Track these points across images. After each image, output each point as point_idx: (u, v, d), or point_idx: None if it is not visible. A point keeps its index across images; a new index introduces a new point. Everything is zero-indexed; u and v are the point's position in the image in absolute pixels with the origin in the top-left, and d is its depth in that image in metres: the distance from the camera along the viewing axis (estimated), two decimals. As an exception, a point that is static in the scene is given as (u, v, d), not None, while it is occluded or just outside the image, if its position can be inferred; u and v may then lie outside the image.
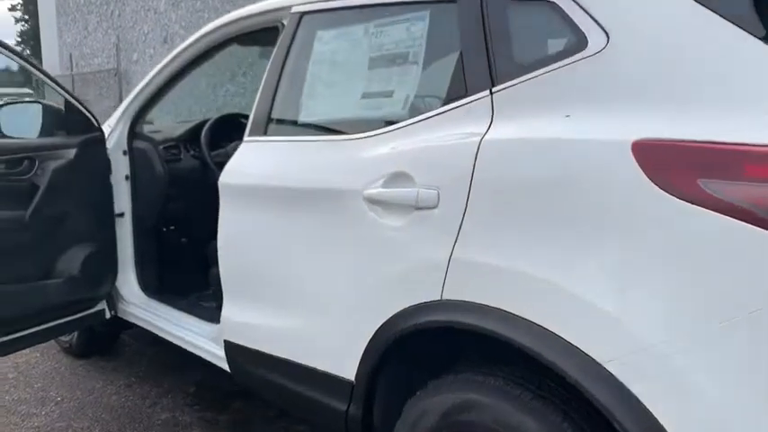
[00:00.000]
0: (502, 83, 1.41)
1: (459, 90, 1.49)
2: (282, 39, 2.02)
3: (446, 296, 1.41)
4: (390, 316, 1.52)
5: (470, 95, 1.46)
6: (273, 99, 2.02)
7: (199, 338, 2.44)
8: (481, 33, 1.47)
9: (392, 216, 1.53)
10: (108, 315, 2.83)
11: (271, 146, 1.98)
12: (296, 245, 1.83)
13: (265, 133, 2.02)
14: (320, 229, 1.73)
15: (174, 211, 2.96)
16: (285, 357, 1.89)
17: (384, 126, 1.64)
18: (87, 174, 2.59)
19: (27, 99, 2.92)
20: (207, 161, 2.86)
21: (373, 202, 1.57)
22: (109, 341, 3.27)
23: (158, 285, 2.96)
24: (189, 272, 3.10)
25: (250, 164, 2.02)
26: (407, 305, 1.49)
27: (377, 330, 1.56)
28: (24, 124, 2.63)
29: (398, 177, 1.53)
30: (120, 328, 3.11)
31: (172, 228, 3.03)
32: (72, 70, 11.69)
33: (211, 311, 2.58)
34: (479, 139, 1.38)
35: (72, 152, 2.52)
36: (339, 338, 1.70)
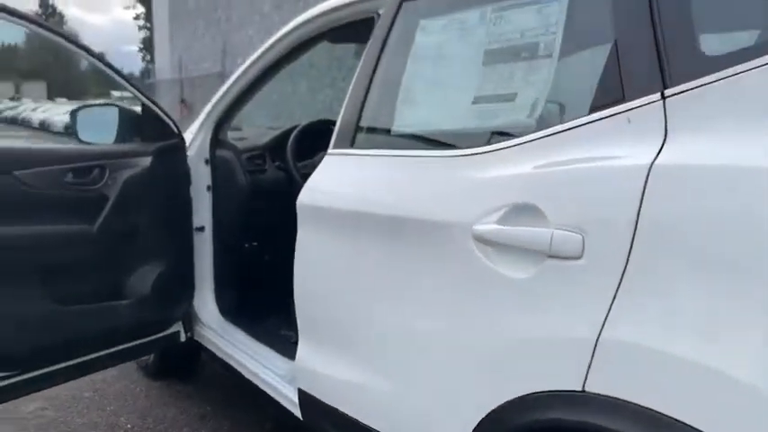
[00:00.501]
0: (679, 83, 0.97)
1: (612, 93, 1.07)
2: (377, 31, 1.66)
3: (591, 387, 0.99)
4: (503, 402, 1.12)
5: (631, 100, 1.03)
6: (363, 104, 1.67)
7: (273, 377, 2.13)
8: (647, 13, 1.04)
9: (512, 264, 1.13)
10: (183, 338, 2.59)
11: (358, 161, 1.63)
12: (384, 287, 1.46)
13: (352, 145, 1.67)
14: (414, 271, 1.35)
15: (257, 226, 2.68)
16: (366, 424, 1.52)
17: (503, 140, 1.24)
18: (164, 184, 2.35)
19: (103, 102, 2.65)
20: (292, 173, 2.56)
21: (485, 241, 1.17)
22: (187, 363, 3.05)
23: (237, 307, 2.69)
24: (270, 293, 2.81)
25: (332, 181, 1.68)
26: (529, 391, 1.08)
27: (483, 419, 1.16)
28: (100, 129, 2.43)
29: (523, 211, 1.12)
30: (198, 350, 2.88)
31: (254, 244, 2.75)
32: (181, 74, 12.01)
33: (290, 343, 2.27)
34: (648, 165, 0.95)
35: (147, 160, 2.29)
36: (433, 415, 1.31)
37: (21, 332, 1.98)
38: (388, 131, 1.61)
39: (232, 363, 2.39)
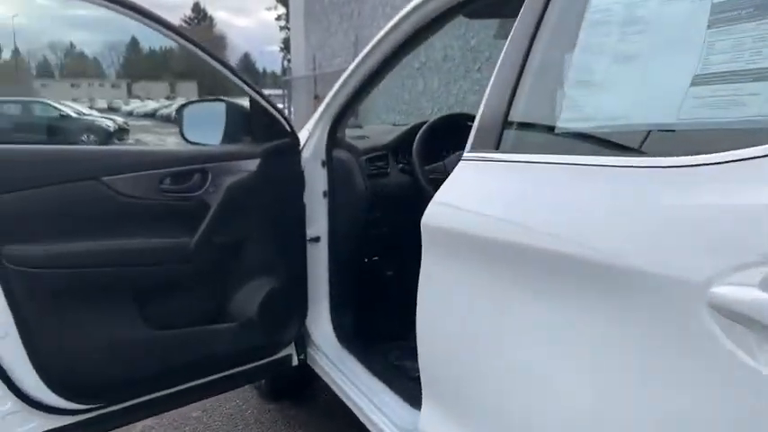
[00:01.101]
0: None
1: None
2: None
3: None
4: None
5: None
6: (514, 92, 1.23)
7: (392, 429, 1.75)
8: None
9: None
10: (296, 362, 2.29)
11: (505, 169, 1.19)
12: (544, 352, 1.02)
13: (497, 147, 1.24)
14: (599, 333, 0.89)
15: (378, 238, 2.32)
16: None
17: (752, 141, 0.76)
18: (274, 189, 2.04)
19: (212, 97, 2.37)
20: (418, 178, 2.16)
21: (730, 314, 0.70)
22: (301, 385, 2.76)
23: (354, 331, 2.35)
24: (392, 317, 2.45)
25: (469, 196, 1.25)
26: None
27: None
28: (207, 128, 2.17)
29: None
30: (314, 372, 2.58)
31: (374, 259, 2.39)
32: (315, 71, 12.06)
33: (414, 384, 1.89)
34: None
35: (255, 163, 1.99)
36: None
37: (107, 361, 1.74)
38: (551, 129, 1.16)
39: (346, 401, 2.04)
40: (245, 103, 2.11)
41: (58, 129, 15.35)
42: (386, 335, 2.40)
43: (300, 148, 2.16)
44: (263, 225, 2.02)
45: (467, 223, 1.21)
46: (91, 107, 28.83)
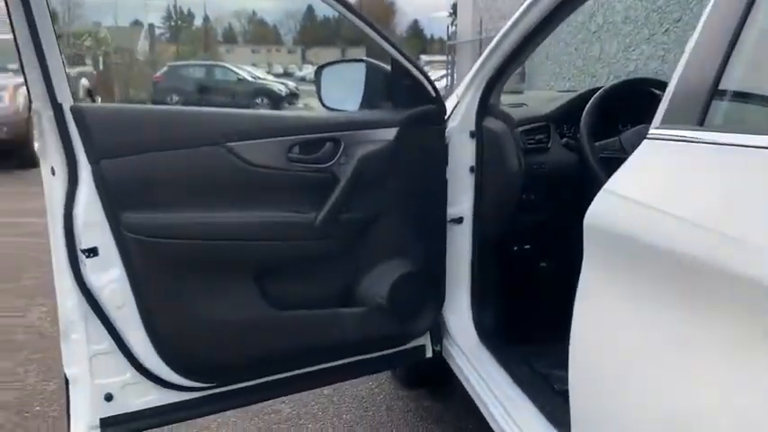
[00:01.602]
0: None
1: None
2: None
3: None
4: None
5: None
6: (730, 51, 0.87)
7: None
8: None
9: None
10: (429, 353, 2.07)
11: (715, 153, 0.85)
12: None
13: (701, 123, 0.89)
14: None
15: (532, 223, 2.00)
16: None
17: None
18: (413, 162, 1.81)
19: (351, 58, 2.14)
20: (585, 156, 1.80)
21: None
22: (440, 373, 2.53)
23: (496, 327, 2.07)
24: (543, 315, 2.13)
25: (657, 188, 0.92)
26: None
27: None
28: (345, 91, 1.97)
29: None
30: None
31: (526, 247, 2.08)
32: (481, 34, 11.60)
33: (562, 401, 1.60)
34: None
35: (393, 132, 1.76)
36: None
37: (226, 340, 1.63)
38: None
39: (479, 406, 1.79)
40: (388, 66, 1.88)
41: (234, 91, 16.34)
42: (532, 335, 2.10)
43: (446, 116, 1.90)
44: (398, 202, 1.80)
45: (652, 227, 0.88)
46: (268, 72, 30.48)
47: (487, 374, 1.85)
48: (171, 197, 1.52)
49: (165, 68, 17.82)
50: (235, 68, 17.58)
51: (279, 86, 18.01)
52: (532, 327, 2.14)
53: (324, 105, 1.98)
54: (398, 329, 1.86)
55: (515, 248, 2.04)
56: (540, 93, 2.75)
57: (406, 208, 1.83)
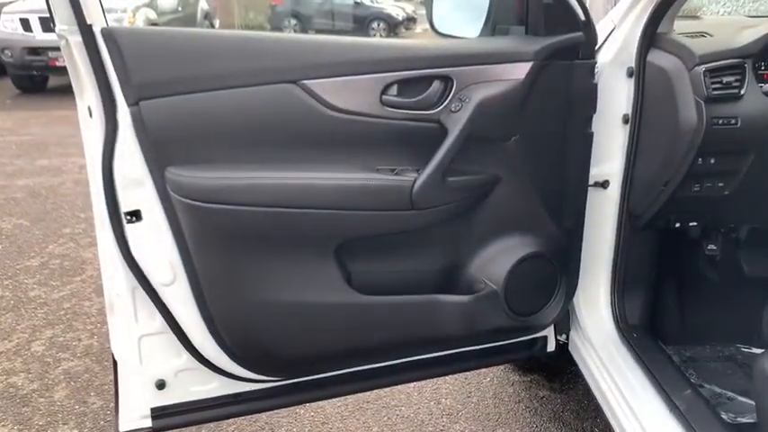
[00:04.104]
0: None
1: None
2: None
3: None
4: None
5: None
6: None
7: None
8: None
9: None
10: (552, 346, 1.68)
11: None
12: None
13: None
14: None
15: (704, 197, 1.50)
16: None
17: None
18: (549, 109, 1.37)
19: None
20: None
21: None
22: (562, 361, 2.13)
23: (641, 323, 1.63)
24: (705, 310, 1.67)
25: None
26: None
27: None
28: (463, 14, 1.53)
29: None
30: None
31: (692, 224, 1.58)
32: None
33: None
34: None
35: (525, 68, 1.31)
36: None
37: (291, 328, 1.31)
38: None
39: (609, 417, 1.40)
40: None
41: (351, 15, 15.87)
42: (689, 336, 1.65)
43: (597, 47, 1.42)
44: (525, 161, 1.38)
45: None
46: (387, -5, 29.67)
47: (624, 382, 1.45)
48: (229, 151, 1.19)
49: (285, -9, 17.61)
50: (353, -9, 17.07)
51: (397, 11, 17.33)
52: (689, 325, 1.68)
53: (434, 31, 1.56)
54: (515, 323, 1.47)
55: (677, 225, 1.56)
56: (727, 18, 2.13)
57: (536, 169, 1.40)
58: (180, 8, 9.72)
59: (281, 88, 1.18)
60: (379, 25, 16.20)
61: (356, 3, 16.64)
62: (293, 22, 15.95)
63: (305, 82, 1.19)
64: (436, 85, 1.29)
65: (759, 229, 1.64)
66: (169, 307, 1.25)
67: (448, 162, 1.27)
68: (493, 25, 1.46)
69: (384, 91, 1.25)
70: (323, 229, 1.26)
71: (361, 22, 16.06)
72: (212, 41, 1.21)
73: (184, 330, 1.28)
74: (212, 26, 11.37)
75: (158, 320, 1.28)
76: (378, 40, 1.39)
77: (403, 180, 1.26)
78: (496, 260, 1.42)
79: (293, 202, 1.21)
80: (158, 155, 1.15)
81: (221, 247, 1.22)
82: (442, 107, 1.29)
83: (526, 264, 1.42)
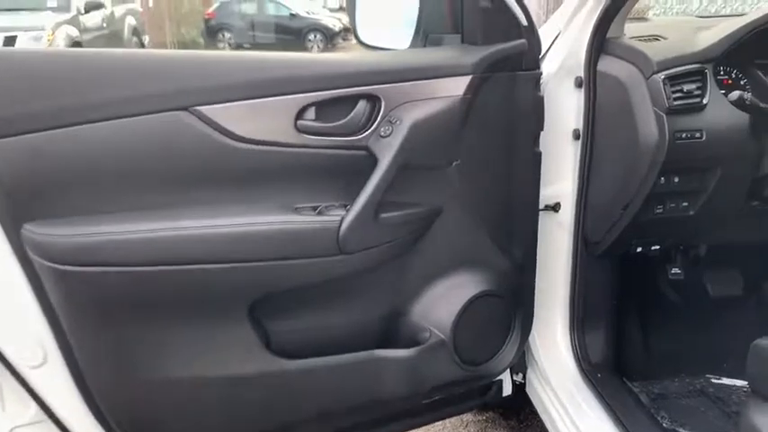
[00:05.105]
0: None
1: None
2: None
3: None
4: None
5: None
6: None
7: None
8: None
9: None
10: (508, 390, 1.50)
11: None
12: None
13: None
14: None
15: (668, 218, 1.35)
16: None
17: None
18: (491, 128, 1.20)
19: None
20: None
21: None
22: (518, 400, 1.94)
23: (606, 359, 1.48)
24: (671, 339, 1.53)
25: None
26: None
27: None
28: (390, 22, 1.35)
29: None
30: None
31: (654, 248, 1.43)
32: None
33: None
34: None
35: (463, 83, 1.13)
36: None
37: (198, 408, 1.09)
38: None
39: None
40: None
41: (286, 27, 15.61)
42: (657, 369, 1.50)
43: (541, 56, 1.25)
44: (469, 188, 1.19)
45: None
46: (324, 6, 29.52)
47: (587, 424, 1.28)
48: (103, 198, 0.96)
49: (217, 4, 17.26)
50: (286, 3, 16.84)
51: (333, 21, 17.18)
52: (656, 357, 1.53)
53: (359, 42, 1.36)
54: (467, 374, 1.28)
55: (639, 249, 1.41)
56: (677, 20, 2.01)
57: (481, 196, 1.22)
58: (105, 24, 9.28)
59: (169, 117, 0.95)
60: (316, 37, 16.00)
61: (292, 15, 16.43)
62: (227, 35, 15.61)
63: (199, 108, 0.97)
64: (362, 105, 1.09)
65: (721, 245, 1.51)
66: (41, 392, 1.01)
67: (379, 195, 1.08)
68: (424, 34, 1.28)
69: (299, 115, 1.04)
70: (230, 286, 1.04)
71: (298, 34, 15.83)
72: (80, 63, 0.97)
73: (61, 420, 1.04)
74: (141, 43, 10.94)
75: (33, 408, 1.04)
76: (291, 55, 1.17)
77: (327, 221, 1.06)
78: (442, 304, 1.23)
79: (189, 257, 0.99)
80: (12, 209, 0.91)
81: (100, 317, 0.98)
82: (369, 131, 1.09)
83: (476, 305, 1.24)
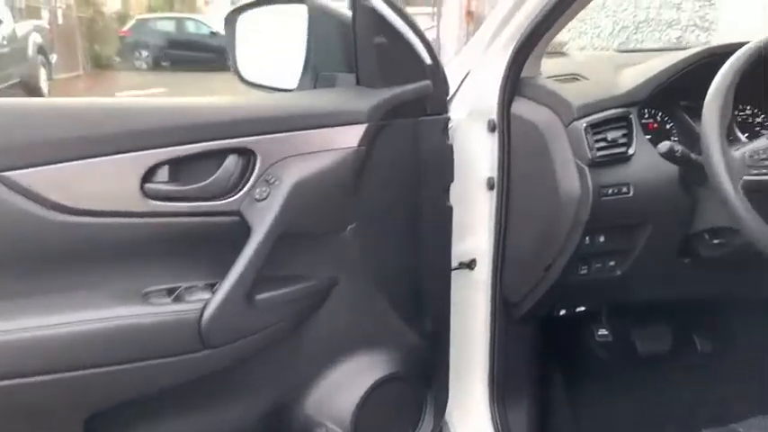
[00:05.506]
0: None
1: None
2: None
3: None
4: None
5: None
6: None
7: None
8: None
9: None
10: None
11: None
12: None
13: None
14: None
15: (593, 280, 1.20)
16: None
17: None
18: (394, 183, 1.02)
19: None
20: (714, 173, 0.97)
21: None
22: None
23: (534, 430, 1.32)
24: (610, 408, 1.39)
25: None
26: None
27: None
28: (275, 57, 1.15)
29: None
30: None
31: (578, 310, 1.29)
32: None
33: None
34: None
35: (358, 132, 0.94)
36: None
37: None
38: None
39: None
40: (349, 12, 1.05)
41: (207, 46, 15.17)
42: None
43: (449, 98, 1.09)
44: (368, 254, 1.01)
45: None
46: (246, 25, 29.17)
47: None
48: None
49: (132, 22, 16.66)
50: (207, 22, 16.44)
51: (256, 40, 16.93)
52: (586, 428, 1.38)
53: (240, 79, 1.17)
54: None
55: (562, 312, 1.26)
56: (598, 55, 1.89)
57: (384, 262, 1.04)
58: (5, 42, 8.66)
59: None
60: (239, 56, 15.71)
61: (212, 33, 16.03)
62: (144, 53, 15.06)
63: (7, 174, 0.75)
64: (231, 162, 0.89)
65: (649, 301, 1.39)
66: None
67: (253, 272, 0.88)
68: (314, 73, 1.09)
69: (147, 177, 0.83)
70: (58, 400, 0.81)
71: (220, 53, 15.45)
72: None
73: None
74: (48, 62, 10.30)
75: None
76: (136, 101, 0.96)
77: (184, 310, 0.84)
78: (340, 393, 1.03)
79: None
80: None
81: None
82: (241, 194, 0.89)
83: (379, 391, 1.05)
